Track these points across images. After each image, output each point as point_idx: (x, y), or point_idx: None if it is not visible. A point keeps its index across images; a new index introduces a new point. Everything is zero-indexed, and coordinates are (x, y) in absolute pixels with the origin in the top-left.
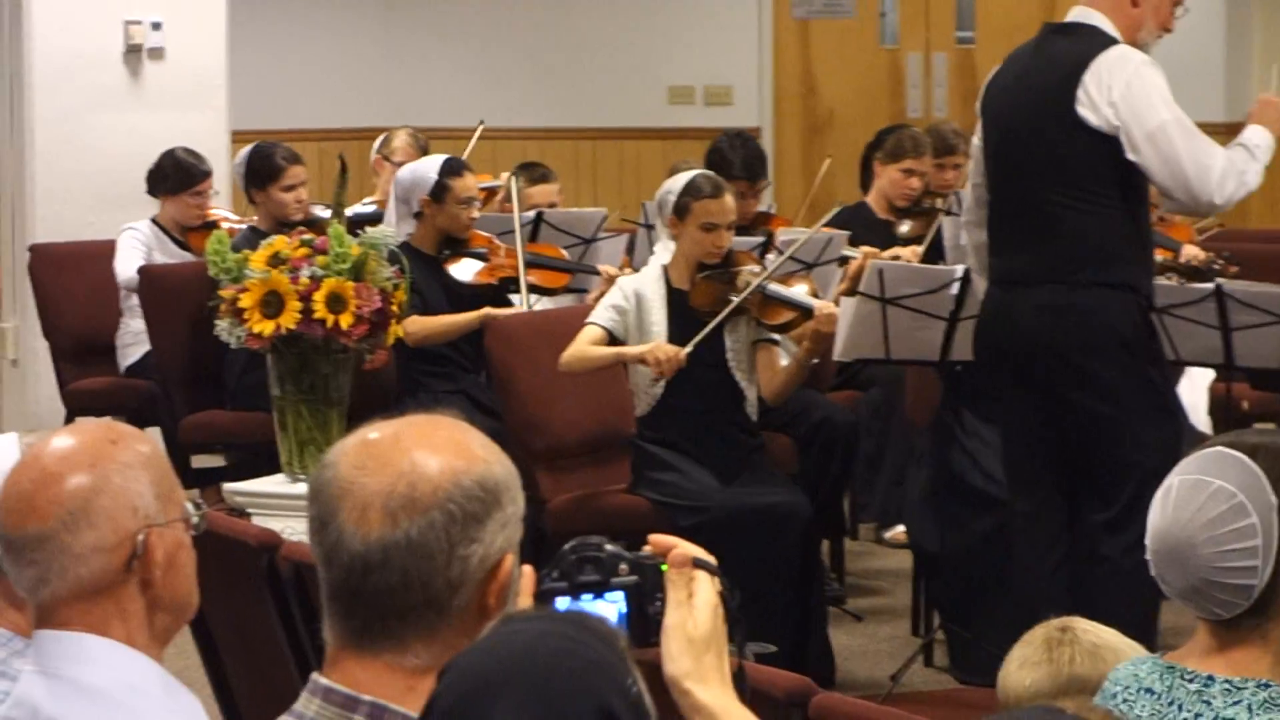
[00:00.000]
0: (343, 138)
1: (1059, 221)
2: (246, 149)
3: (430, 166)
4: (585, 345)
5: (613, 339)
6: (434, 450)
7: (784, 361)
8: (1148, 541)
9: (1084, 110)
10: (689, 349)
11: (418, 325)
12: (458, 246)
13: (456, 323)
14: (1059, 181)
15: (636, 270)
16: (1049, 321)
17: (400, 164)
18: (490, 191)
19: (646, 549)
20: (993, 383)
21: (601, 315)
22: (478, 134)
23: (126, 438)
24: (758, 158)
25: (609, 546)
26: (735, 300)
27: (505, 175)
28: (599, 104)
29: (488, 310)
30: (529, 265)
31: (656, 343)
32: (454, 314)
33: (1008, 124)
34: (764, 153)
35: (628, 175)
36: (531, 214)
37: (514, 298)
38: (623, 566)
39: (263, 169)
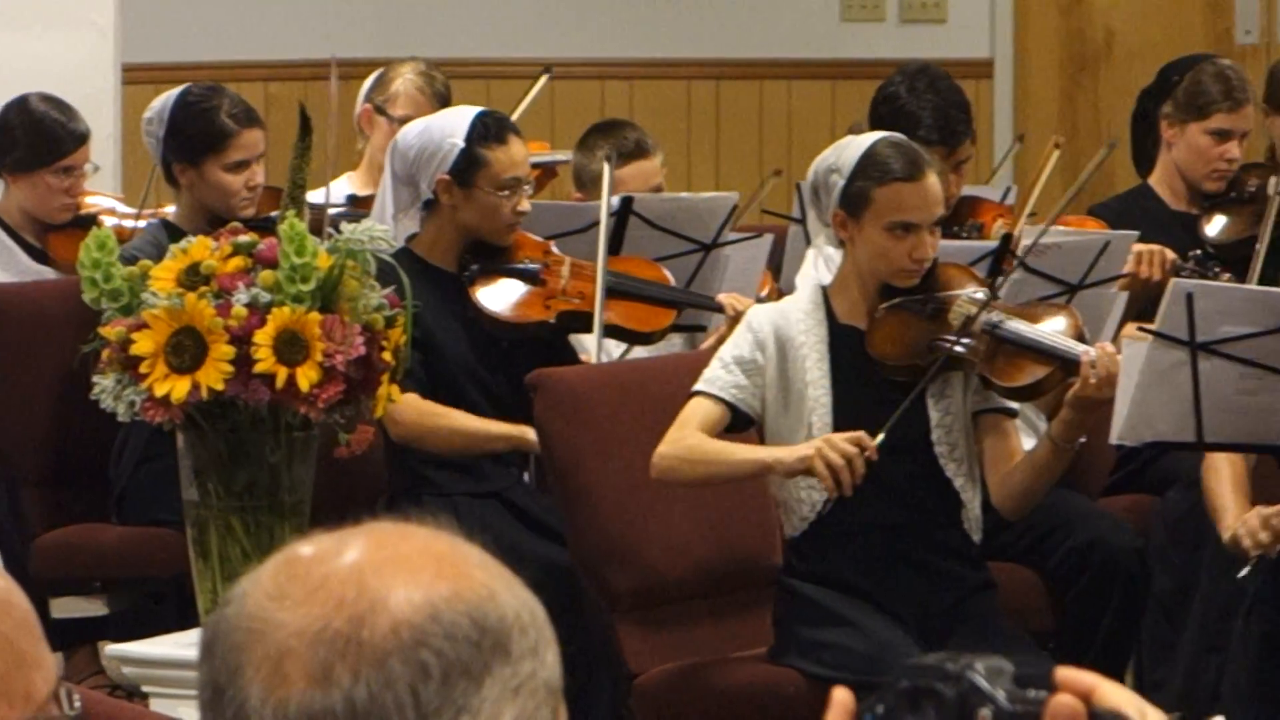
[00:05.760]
0: (302, 75)
1: None
2: (167, 96)
3: (453, 125)
4: (694, 436)
5: (737, 419)
6: (399, 568)
7: (1026, 446)
8: None
9: None
10: (881, 438)
11: (416, 414)
12: (493, 257)
13: (479, 434)
14: None
15: (782, 296)
16: None
17: (402, 119)
18: (546, 170)
19: (1033, 691)
20: None
21: (718, 379)
22: (539, 85)
23: None
24: (956, 107)
25: (976, 673)
26: (948, 346)
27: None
28: (728, 23)
29: (526, 433)
30: (610, 295)
31: (824, 438)
32: (478, 405)
33: None
34: (965, 99)
35: (772, 138)
36: (616, 201)
37: (584, 343)
38: (983, 713)
39: (196, 131)
